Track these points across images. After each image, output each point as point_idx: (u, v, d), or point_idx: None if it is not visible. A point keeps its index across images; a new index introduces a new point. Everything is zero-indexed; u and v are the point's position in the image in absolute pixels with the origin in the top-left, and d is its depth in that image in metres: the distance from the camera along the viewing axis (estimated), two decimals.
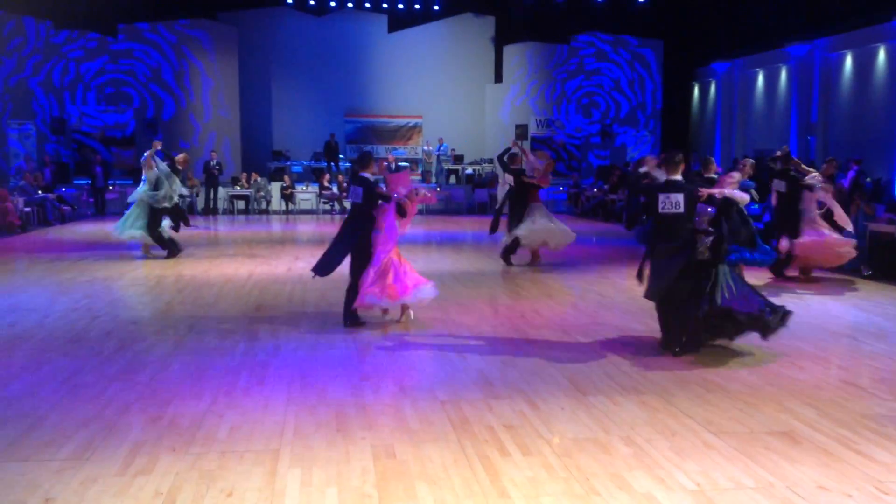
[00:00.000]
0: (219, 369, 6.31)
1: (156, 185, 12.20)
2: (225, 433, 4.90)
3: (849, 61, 19.80)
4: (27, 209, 17.65)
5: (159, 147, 12.48)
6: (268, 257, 13.08)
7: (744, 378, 6.15)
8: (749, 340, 6.99)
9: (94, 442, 4.73)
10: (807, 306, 9.16)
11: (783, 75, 22.47)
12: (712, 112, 26.52)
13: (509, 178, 11.87)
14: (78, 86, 24.21)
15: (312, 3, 26.20)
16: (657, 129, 27.67)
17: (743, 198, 6.98)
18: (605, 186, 21.94)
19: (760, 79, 23.79)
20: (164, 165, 12.30)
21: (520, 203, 11.72)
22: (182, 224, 13.12)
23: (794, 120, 21.50)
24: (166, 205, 12.31)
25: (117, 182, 22.85)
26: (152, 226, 12.30)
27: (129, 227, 12.39)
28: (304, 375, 6.16)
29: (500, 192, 12.61)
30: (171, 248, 12.68)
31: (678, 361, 6.60)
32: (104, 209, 21.43)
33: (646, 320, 8.22)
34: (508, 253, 11.99)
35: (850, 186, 14.15)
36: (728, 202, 6.76)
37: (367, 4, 26.59)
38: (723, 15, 24.80)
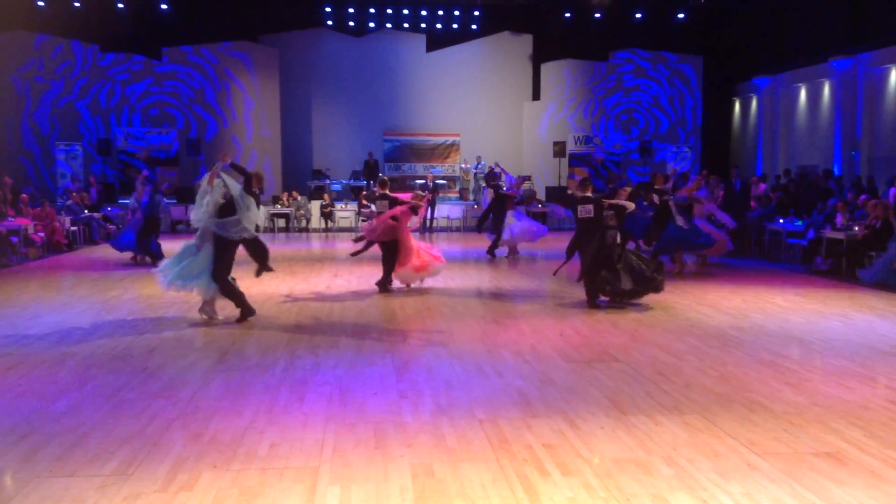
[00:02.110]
0: (259, 386, 6.37)
1: (223, 210, 8.88)
2: (265, 450, 4.94)
3: (893, 76, 19.45)
4: (74, 228, 18.03)
5: (229, 160, 9.17)
6: (307, 275, 13.19)
7: (788, 398, 6.04)
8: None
9: (137, 458, 4.80)
10: (852, 324, 8.98)
11: (826, 90, 22.15)
12: (754, 128, 26.22)
13: (490, 192, 15.57)
14: (123, 107, 24.76)
15: (352, 24, 26.53)
16: (697, 145, 27.42)
17: (628, 205, 10.03)
18: (645, 203, 21.73)
19: (803, 94, 23.48)
20: (237, 185, 8.95)
21: (499, 210, 15.35)
22: (264, 268, 9.75)
23: (837, 135, 21.16)
24: (242, 236, 8.98)
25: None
26: (221, 270, 8.94)
27: (183, 274, 8.90)
28: (343, 392, 6.19)
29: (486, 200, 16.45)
30: (244, 307, 9.17)
31: (720, 382, 6.51)
32: None
33: (687, 339, 8.13)
34: (492, 249, 15.67)
35: (894, 202, 13.86)
36: (621, 209, 9.93)
37: (406, 25, 26.83)
38: (764, 30, 24.56)
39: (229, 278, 9.12)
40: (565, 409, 5.73)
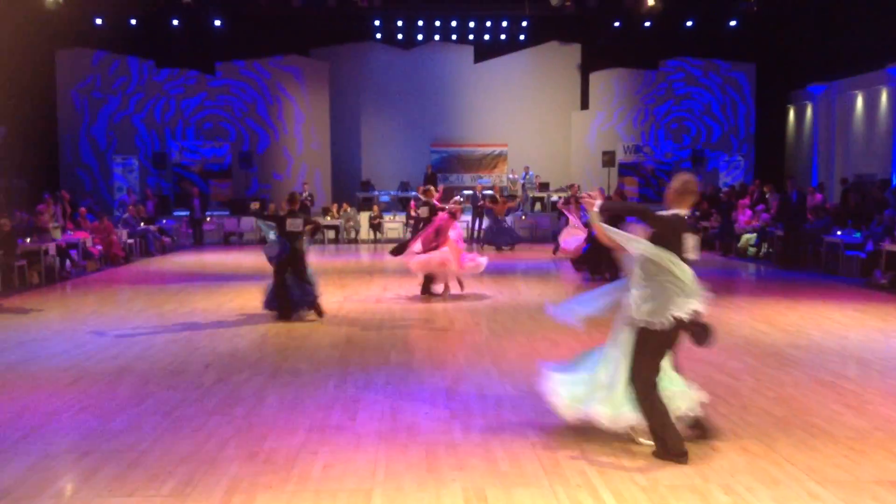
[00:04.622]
0: (312, 404, 6.42)
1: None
2: (319, 471, 4.97)
3: None
4: (130, 241, 18.42)
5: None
6: (357, 287, 13.26)
7: (849, 422, 5.88)
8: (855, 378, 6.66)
9: (194, 478, 4.87)
10: None
11: (884, 97, 21.59)
12: (809, 136, 25.69)
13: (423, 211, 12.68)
14: (178, 121, 25.28)
15: (400, 37, 26.71)
16: (751, 154, 26.97)
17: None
18: (697, 213, 21.44)
19: (859, 101, 22.92)
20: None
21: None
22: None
23: (895, 144, 20.63)
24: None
25: (214, 214, 23.68)
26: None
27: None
28: (394, 411, 6.20)
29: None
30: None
31: (779, 404, 6.36)
32: (202, 240, 22.19)
33: (743, 357, 7.98)
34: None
35: None
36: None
37: (454, 37, 26.92)
38: (818, 36, 24.06)
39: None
40: (619, 433, 5.65)
